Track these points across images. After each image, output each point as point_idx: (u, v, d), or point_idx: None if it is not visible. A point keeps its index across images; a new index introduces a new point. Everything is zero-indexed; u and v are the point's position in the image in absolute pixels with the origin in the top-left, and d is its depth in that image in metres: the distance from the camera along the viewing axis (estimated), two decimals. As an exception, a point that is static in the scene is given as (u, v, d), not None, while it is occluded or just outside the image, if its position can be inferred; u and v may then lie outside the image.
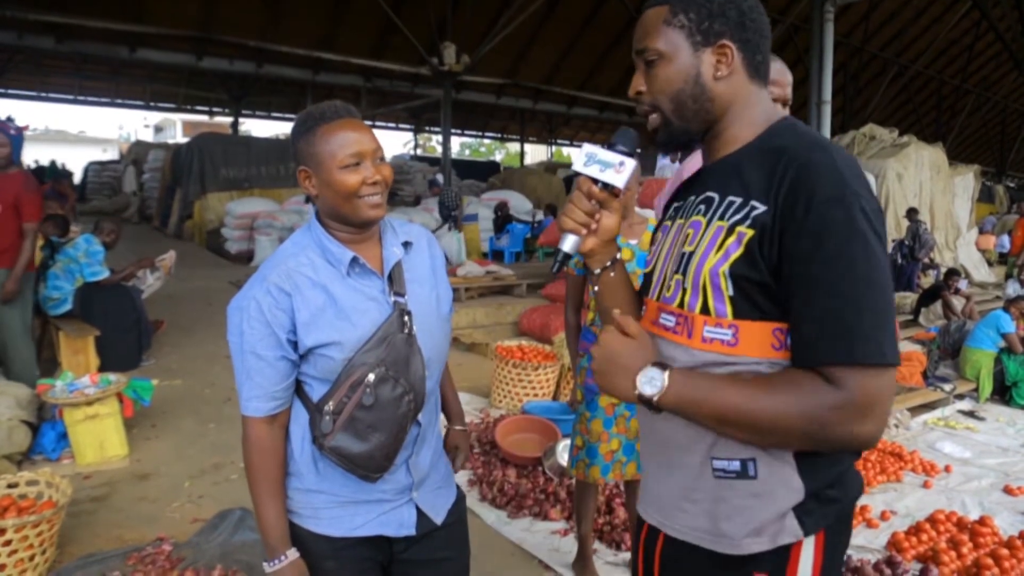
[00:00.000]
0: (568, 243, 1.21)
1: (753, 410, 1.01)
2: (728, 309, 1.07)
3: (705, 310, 1.09)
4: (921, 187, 12.59)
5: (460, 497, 1.70)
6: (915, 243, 10.67)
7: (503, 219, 13.07)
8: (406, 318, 1.45)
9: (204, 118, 26.47)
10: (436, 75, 14.39)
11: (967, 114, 23.98)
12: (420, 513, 1.56)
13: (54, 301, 5.40)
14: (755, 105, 1.17)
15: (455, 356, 6.40)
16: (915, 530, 3.39)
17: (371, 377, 1.39)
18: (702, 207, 1.16)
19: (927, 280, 11.07)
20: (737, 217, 1.07)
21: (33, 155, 24.08)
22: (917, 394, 5.69)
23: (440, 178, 14.00)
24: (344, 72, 17.89)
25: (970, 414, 5.66)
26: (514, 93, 20.86)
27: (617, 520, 3.42)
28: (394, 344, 1.42)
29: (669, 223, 1.27)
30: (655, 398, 1.06)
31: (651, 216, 2.89)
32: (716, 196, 1.14)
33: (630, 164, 1.17)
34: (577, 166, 1.20)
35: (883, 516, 3.64)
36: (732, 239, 1.06)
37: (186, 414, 4.77)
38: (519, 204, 14.97)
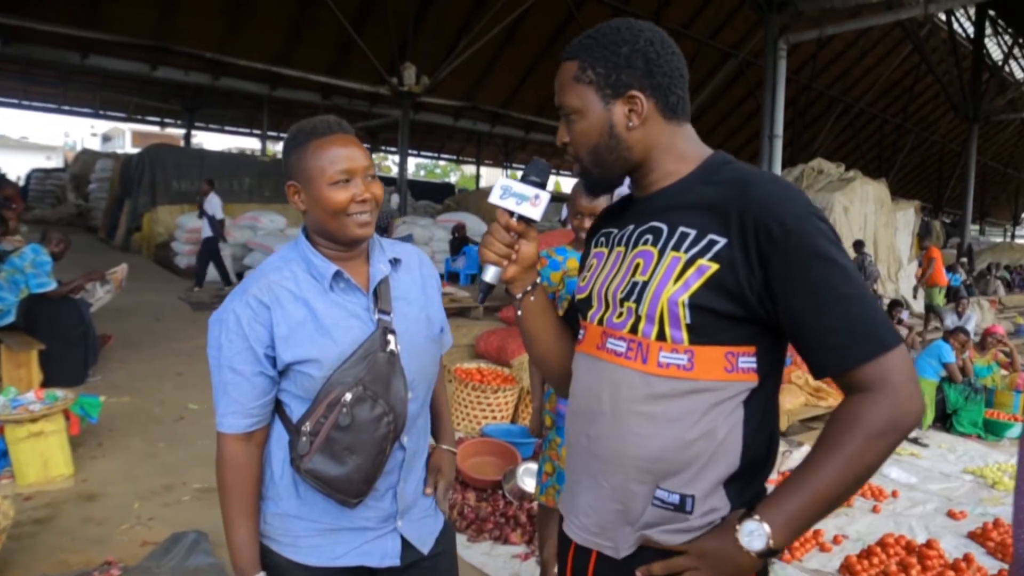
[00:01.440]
0: (490, 274, 1.26)
1: (843, 473, 1.04)
2: (684, 336, 1.10)
3: (661, 336, 1.12)
4: (866, 220, 13.03)
5: (448, 526, 1.64)
6: (861, 274, 11.01)
7: (459, 241, 13.08)
8: (390, 336, 1.41)
9: (155, 129, 25.98)
10: (396, 95, 14.43)
11: (907, 152, 25.05)
12: (405, 543, 1.51)
13: (-4, 313, 5.20)
14: (680, 142, 1.21)
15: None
16: (867, 554, 3.47)
17: (348, 396, 1.35)
18: (649, 237, 1.18)
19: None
20: (696, 250, 1.11)
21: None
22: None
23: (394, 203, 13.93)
24: (302, 88, 17.82)
25: (914, 441, 5.83)
26: (472, 116, 21.02)
27: (578, 544, 3.42)
28: (375, 363, 1.37)
29: (603, 249, 1.29)
30: (771, 543, 1.06)
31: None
32: (664, 227, 1.17)
33: (544, 196, 1.22)
34: (493, 199, 1.23)
35: (835, 540, 3.72)
36: (692, 271, 1.10)
37: (135, 433, 4.61)
38: (475, 226, 15.00)
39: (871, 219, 13.12)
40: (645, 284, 1.15)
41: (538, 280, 1.33)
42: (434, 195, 23.09)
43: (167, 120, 23.41)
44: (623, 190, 1.35)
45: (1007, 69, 19.84)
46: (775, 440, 1.21)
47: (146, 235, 13.34)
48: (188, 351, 6.74)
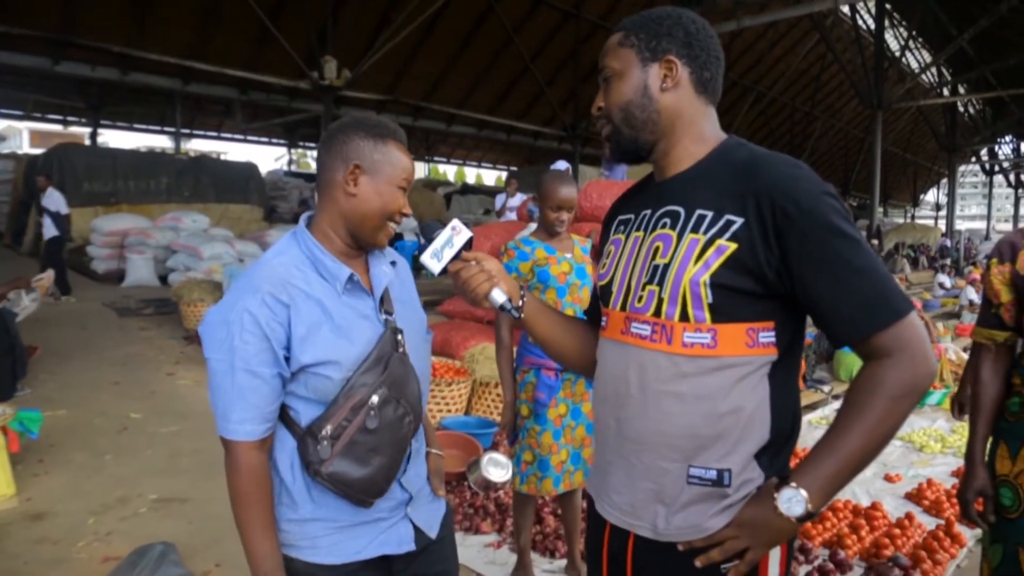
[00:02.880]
0: (503, 299, 1.35)
1: (869, 435, 1.12)
2: (707, 315, 1.16)
3: (684, 317, 1.18)
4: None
5: (449, 510, 1.69)
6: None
7: (393, 236, 12.98)
8: (399, 337, 1.43)
9: (57, 127, 24.56)
10: (317, 89, 14.07)
11: (816, 138, 26.18)
12: (415, 528, 1.54)
13: (-88, 327, 4.86)
14: (703, 121, 1.28)
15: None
16: (819, 518, 3.67)
17: (375, 399, 1.35)
18: (667, 221, 1.24)
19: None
20: (714, 231, 1.17)
21: None
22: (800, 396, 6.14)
23: (315, 198, 13.66)
24: (217, 83, 17.15)
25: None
26: (394, 109, 20.73)
27: (548, 529, 3.49)
28: (392, 364, 1.39)
29: (620, 236, 1.35)
30: (809, 507, 1.12)
31: (572, 234, 2.98)
32: (682, 210, 1.23)
33: (455, 223, 1.37)
34: (436, 270, 1.35)
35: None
36: (711, 251, 1.16)
37: (77, 447, 4.41)
38: (405, 221, 14.88)
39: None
40: (666, 267, 1.20)
41: (521, 288, 1.41)
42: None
43: (70, 118, 22.14)
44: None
45: (904, 60, 21.01)
46: (798, 412, 1.28)
47: (57, 240, 12.64)
48: (121, 359, 6.48)
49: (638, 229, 1.31)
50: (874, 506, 3.83)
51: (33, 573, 3.02)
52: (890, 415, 1.11)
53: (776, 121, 26.21)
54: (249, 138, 24.80)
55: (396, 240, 12.81)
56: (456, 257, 1.33)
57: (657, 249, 1.23)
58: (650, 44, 1.25)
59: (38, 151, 16.75)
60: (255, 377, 1.32)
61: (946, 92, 23.56)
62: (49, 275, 5.87)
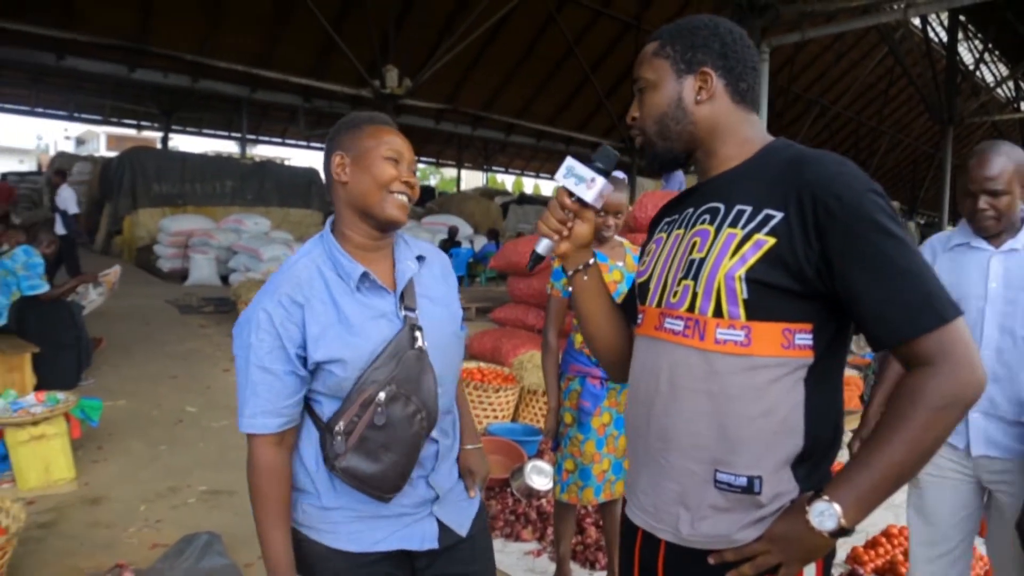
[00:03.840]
0: (542, 245, 1.30)
1: (910, 447, 1.05)
2: (741, 312, 1.12)
3: (718, 313, 1.14)
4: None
5: (482, 508, 1.68)
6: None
7: (449, 243, 13.08)
8: (417, 334, 1.42)
9: (131, 132, 25.57)
10: (378, 98, 14.32)
11: (882, 154, 25.41)
12: (443, 526, 1.53)
13: (-14, 316, 5.11)
14: (745, 127, 1.25)
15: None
16: (872, 544, 3.53)
17: (382, 396, 1.36)
18: (707, 217, 1.22)
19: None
20: (752, 225, 1.13)
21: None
22: (858, 416, 5.92)
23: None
24: (282, 91, 17.64)
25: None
26: (453, 119, 20.97)
27: (590, 540, 3.44)
28: (405, 361, 1.39)
29: (663, 235, 1.33)
30: (842, 522, 1.06)
31: (625, 240, 2.94)
32: (722, 206, 1.20)
33: (599, 182, 1.25)
34: (557, 177, 1.28)
35: (840, 533, 3.77)
36: (749, 245, 1.12)
37: (134, 436, 4.55)
38: (461, 229, 15.00)
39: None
40: (702, 261, 1.17)
41: (592, 261, 1.36)
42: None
43: (144, 123, 23.06)
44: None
45: (978, 74, 20.26)
46: (840, 424, 1.22)
47: (127, 238, 13.19)
48: (180, 354, 6.67)
49: (679, 227, 1.29)
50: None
51: (87, 554, 3.12)
52: (931, 426, 1.04)
53: (840, 136, 25.55)
54: (312, 144, 25.37)
55: (451, 247, 12.90)
56: (575, 198, 1.28)
57: (695, 244, 1.21)
58: (685, 55, 1.23)
59: (113, 154, 17.46)
60: (267, 373, 1.37)
61: (1023, 107, 22.62)
62: (116, 270, 6.09)
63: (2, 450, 3.78)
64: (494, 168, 31.65)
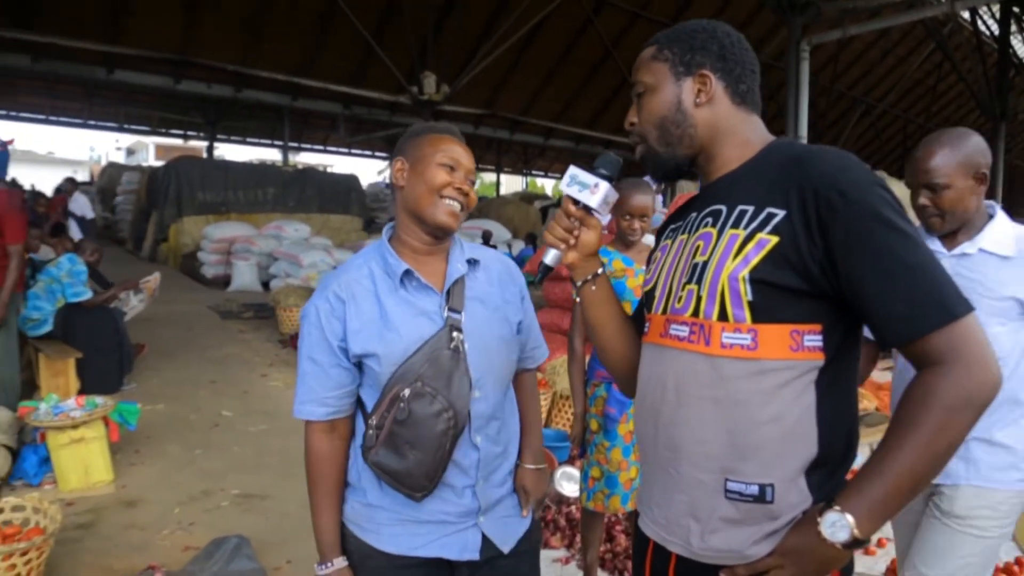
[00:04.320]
0: (550, 256, 1.31)
1: (922, 452, 1.00)
2: (747, 314, 1.09)
3: (723, 316, 1.11)
4: (892, 221, 12.84)
5: (535, 527, 1.65)
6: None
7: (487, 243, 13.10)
8: (455, 334, 1.44)
9: (178, 141, 26.26)
10: (416, 104, 14.44)
11: (931, 152, 24.64)
12: (486, 539, 1.52)
13: (34, 322, 5.25)
14: (746, 129, 1.23)
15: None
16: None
17: (406, 392, 1.39)
18: (709, 220, 1.19)
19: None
20: (754, 224, 1.10)
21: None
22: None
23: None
24: (323, 99, 17.88)
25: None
26: (492, 123, 21.01)
27: (619, 548, 3.39)
28: (437, 359, 1.41)
29: (668, 242, 1.30)
30: (855, 533, 1.02)
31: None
32: (723, 208, 1.17)
33: (603, 187, 1.25)
34: (562, 185, 1.29)
35: (880, 543, 3.65)
36: (751, 245, 1.09)
37: (171, 440, 4.65)
38: (499, 233, 15.01)
39: (898, 220, 12.93)
40: (705, 263, 1.15)
41: (600, 271, 1.35)
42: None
43: (190, 133, 23.64)
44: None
45: (1032, 67, 19.57)
46: (854, 430, 1.17)
47: (172, 246, 13.49)
48: (220, 359, 6.79)
49: (683, 232, 1.26)
50: (1018, 562, 3.37)
51: (120, 556, 3.18)
52: (945, 430, 0.99)
53: (887, 134, 24.93)
54: (353, 151, 25.70)
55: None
56: (579, 204, 1.28)
57: (698, 248, 1.18)
58: (684, 58, 1.22)
59: (161, 163, 17.94)
60: (314, 364, 1.46)
61: (1081, 102, 21.78)
62: (156, 277, 6.24)
63: (45, 452, 3.88)
64: (533, 172, 31.63)
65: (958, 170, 1.88)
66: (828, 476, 1.12)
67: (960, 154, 1.88)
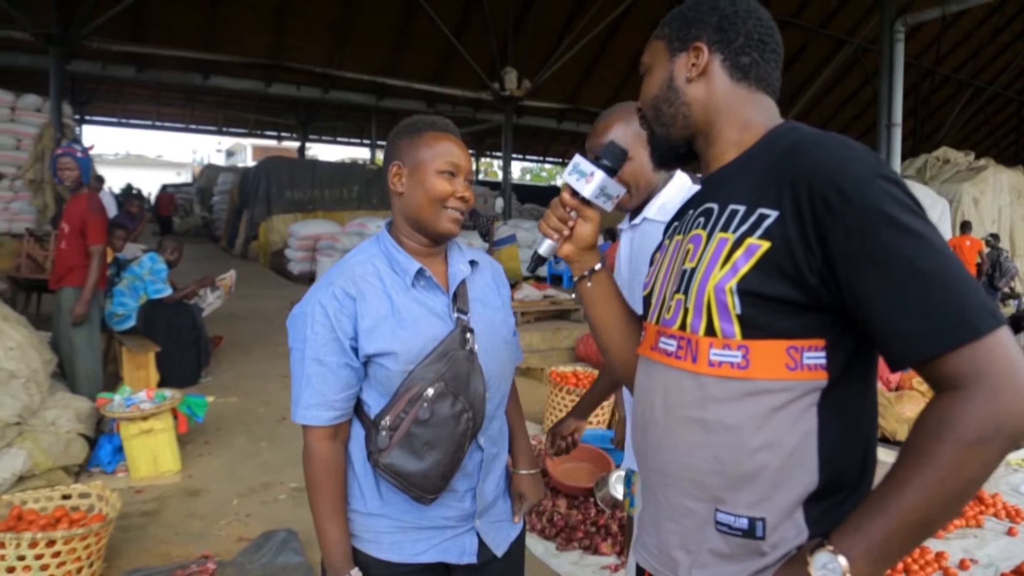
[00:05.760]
0: (544, 246, 1.23)
1: (934, 489, 0.85)
2: (736, 329, 0.96)
3: (710, 331, 0.99)
4: (1000, 212, 12.01)
5: (522, 531, 1.65)
6: (995, 271, 10.13)
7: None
8: (468, 335, 1.42)
9: (273, 143, 27.35)
10: (497, 100, 14.53)
11: (1052, 137, 22.92)
12: (481, 542, 1.52)
13: (119, 317, 5.55)
14: (746, 108, 1.10)
15: (508, 380, 6.34)
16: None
17: (430, 392, 1.36)
18: (701, 220, 1.08)
19: (1007, 311, 10.49)
20: (744, 228, 0.97)
21: (115, 178, 25.16)
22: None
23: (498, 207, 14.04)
24: (407, 97, 18.21)
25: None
26: (575, 118, 20.87)
27: (670, 556, 3.26)
28: (455, 360, 1.39)
29: (667, 242, 1.20)
30: None
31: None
32: (715, 206, 1.05)
33: (598, 176, 1.17)
34: (563, 174, 1.22)
35: (962, 565, 3.37)
36: (740, 252, 0.96)
37: (239, 432, 4.80)
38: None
39: (1006, 211, 12.08)
40: (693, 271, 1.03)
41: (598, 267, 1.24)
42: (541, 198, 23.17)
43: (283, 134, 24.63)
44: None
45: None
46: (870, 456, 1.03)
47: (262, 243, 14.03)
48: (294, 354, 6.98)
49: (680, 232, 1.15)
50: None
51: (179, 544, 3.29)
52: (964, 465, 0.82)
53: (998, 119, 23.24)
54: (438, 149, 26.11)
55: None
56: (577, 195, 1.19)
57: (688, 252, 1.07)
58: (680, 33, 1.13)
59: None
60: (322, 365, 1.38)
61: None
62: (231, 274, 6.47)
63: (119, 442, 4.08)
64: (618, 166, 31.26)
65: (636, 142, 1.72)
66: (832, 509, 0.98)
67: (634, 128, 1.76)
